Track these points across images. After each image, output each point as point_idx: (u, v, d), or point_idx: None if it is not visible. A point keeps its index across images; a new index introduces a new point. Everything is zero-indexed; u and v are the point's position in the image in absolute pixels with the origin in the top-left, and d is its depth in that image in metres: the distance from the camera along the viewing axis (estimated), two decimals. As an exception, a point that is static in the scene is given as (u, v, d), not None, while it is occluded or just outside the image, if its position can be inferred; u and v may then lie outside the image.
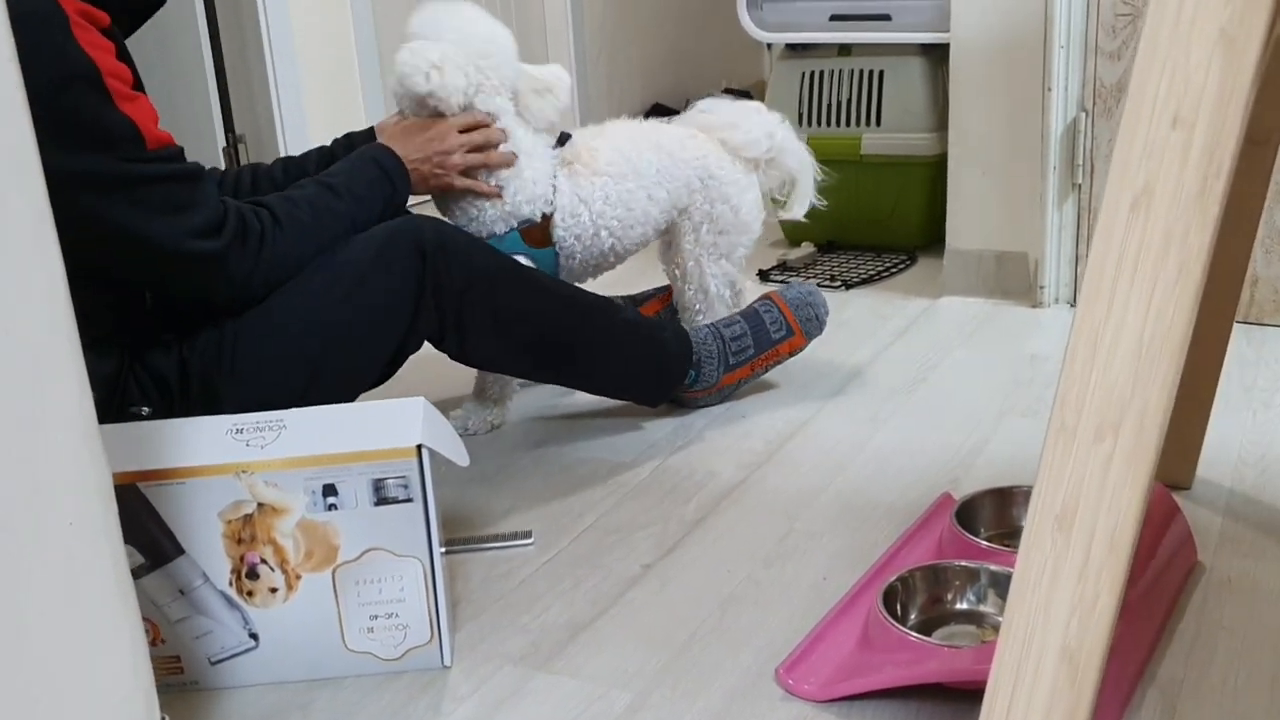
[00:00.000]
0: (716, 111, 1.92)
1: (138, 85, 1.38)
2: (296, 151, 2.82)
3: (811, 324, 1.87)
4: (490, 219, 1.72)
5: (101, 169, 1.29)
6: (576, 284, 1.90)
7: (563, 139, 1.81)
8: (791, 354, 1.88)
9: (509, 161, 1.71)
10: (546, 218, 1.75)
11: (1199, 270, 0.62)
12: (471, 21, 1.70)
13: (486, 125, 1.69)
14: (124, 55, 1.38)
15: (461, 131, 1.67)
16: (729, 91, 3.57)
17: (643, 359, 1.75)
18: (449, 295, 1.52)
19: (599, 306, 1.70)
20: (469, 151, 1.67)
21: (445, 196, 1.74)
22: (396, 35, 1.74)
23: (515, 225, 1.73)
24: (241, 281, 1.41)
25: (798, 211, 1.99)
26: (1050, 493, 0.67)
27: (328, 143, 1.75)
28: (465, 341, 1.57)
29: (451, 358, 1.61)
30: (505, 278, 1.58)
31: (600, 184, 1.77)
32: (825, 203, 2.00)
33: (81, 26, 1.28)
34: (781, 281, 2.52)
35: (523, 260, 1.71)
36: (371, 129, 1.75)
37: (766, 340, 1.84)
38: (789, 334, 1.85)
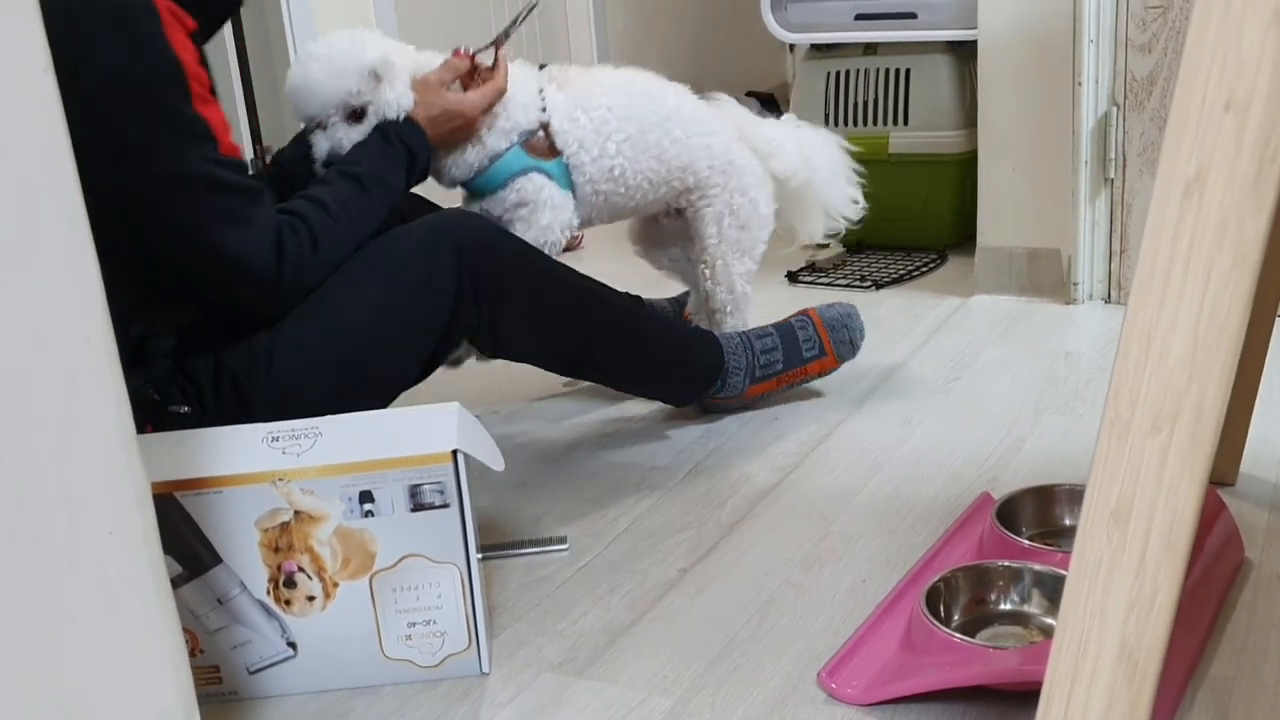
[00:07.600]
0: (763, 136, 1.88)
1: (213, 92, 1.40)
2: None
3: (845, 347, 1.84)
4: (491, 141, 1.69)
5: (178, 162, 1.30)
6: (591, 225, 1.86)
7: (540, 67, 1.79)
8: (820, 374, 1.85)
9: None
10: (545, 127, 1.72)
11: (1255, 258, 0.60)
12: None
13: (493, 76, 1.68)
14: (204, 61, 1.40)
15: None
16: (752, 95, 3.56)
17: (673, 359, 1.75)
18: (486, 292, 1.52)
19: (630, 305, 1.71)
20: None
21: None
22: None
23: (515, 140, 1.70)
24: (273, 299, 1.42)
25: (812, 233, 1.96)
26: (1104, 488, 0.65)
27: None
28: (499, 336, 1.57)
29: (484, 352, 1.62)
30: (541, 275, 1.59)
31: (602, 94, 1.74)
32: (841, 232, 1.96)
33: (172, 26, 1.31)
34: (810, 283, 2.51)
35: (535, 175, 1.70)
36: None
37: (797, 357, 1.81)
38: (820, 354, 1.82)
